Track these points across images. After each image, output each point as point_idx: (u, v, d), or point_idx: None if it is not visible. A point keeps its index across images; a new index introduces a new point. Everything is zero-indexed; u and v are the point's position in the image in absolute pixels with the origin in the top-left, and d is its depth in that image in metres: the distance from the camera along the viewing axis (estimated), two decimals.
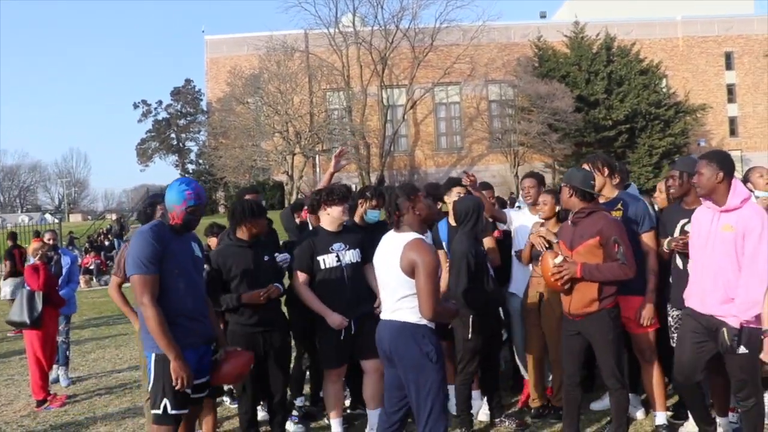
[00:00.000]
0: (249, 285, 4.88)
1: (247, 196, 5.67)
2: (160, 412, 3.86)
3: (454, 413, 5.33)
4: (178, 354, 3.78)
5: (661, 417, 4.96)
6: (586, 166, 5.12)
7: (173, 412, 3.86)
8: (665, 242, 4.73)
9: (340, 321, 4.88)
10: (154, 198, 5.10)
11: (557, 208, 5.23)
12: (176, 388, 3.80)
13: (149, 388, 3.96)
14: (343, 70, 39.19)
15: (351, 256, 5.05)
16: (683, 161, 4.87)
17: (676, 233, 4.69)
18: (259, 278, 4.97)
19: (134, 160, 53.83)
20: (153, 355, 3.89)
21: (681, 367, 4.36)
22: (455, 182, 6.01)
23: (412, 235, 3.88)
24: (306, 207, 5.92)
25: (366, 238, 5.15)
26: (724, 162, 4.10)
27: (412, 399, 3.90)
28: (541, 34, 42.20)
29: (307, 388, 6.27)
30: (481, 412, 5.55)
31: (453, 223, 5.47)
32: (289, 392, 5.68)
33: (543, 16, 49.74)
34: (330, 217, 5.10)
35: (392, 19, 39.32)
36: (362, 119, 38.98)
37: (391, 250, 3.91)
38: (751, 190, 5.30)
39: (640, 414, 5.37)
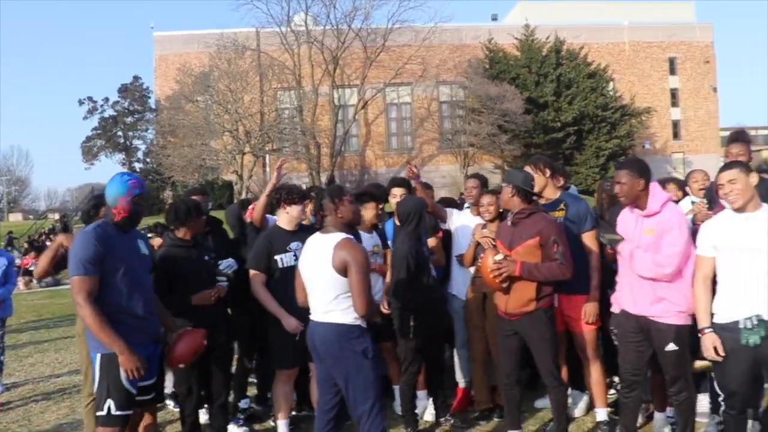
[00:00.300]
0: (195, 285, 4.82)
1: (194, 197, 5.58)
2: (104, 413, 3.82)
3: (400, 413, 5.35)
4: (123, 347, 3.76)
5: (602, 413, 5.06)
6: (528, 168, 5.19)
7: (117, 413, 3.81)
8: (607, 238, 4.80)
9: (295, 325, 4.83)
10: (98, 199, 5.00)
11: (500, 210, 5.28)
12: (130, 379, 3.80)
13: (94, 389, 3.90)
14: (295, 69, 38.90)
15: None
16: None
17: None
18: (204, 278, 4.91)
19: (79, 158, 52.48)
20: (98, 356, 3.86)
21: (626, 366, 4.48)
22: (396, 183, 6.02)
23: (341, 235, 3.93)
24: (252, 206, 5.86)
25: None
26: (643, 170, 4.30)
27: (350, 398, 3.93)
28: (492, 36, 42.61)
29: (252, 390, 6.20)
30: (427, 411, 5.56)
31: (398, 223, 5.48)
32: (232, 395, 5.62)
33: (494, 18, 50.24)
34: (289, 216, 5.10)
35: (344, 19, 39.18)
36: (313, 119, 38.75)
37: (320, 252, 3.94)
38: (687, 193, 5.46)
39: (579, 411, 5.46)
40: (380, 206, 5.72)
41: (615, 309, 4.60)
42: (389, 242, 5.68)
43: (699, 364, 4.62)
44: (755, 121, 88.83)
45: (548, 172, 5.20)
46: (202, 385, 5.00)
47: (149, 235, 6.29)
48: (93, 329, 3.75)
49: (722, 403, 4.07)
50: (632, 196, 4.28)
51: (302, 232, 5.07)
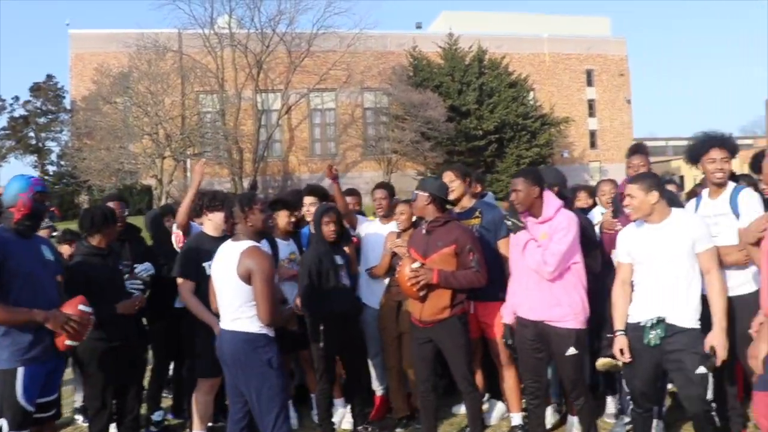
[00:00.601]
0: (112, 296, 4.63)
1: (110, 203, 5.39)
2: None
3: (317, 422, 5.32)
4: (36, 315, 3.62)
5: (516, 418, 5.15)
6: (448, 174, 5.24)
7: None
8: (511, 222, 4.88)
9: None
10: None
11: (414, 219, 5.31)
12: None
13: None
14: (218, 72, 38.27)
15: None
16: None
17: None
18: (120, 288, 4.76)
19: None
20: None
21: (527, 375, 4.61)
22: (308, 191, 6.01)
23: (248, 243, 3.91)
24: (173, 213, 5.74)
25: None
26: (538, 178, 4.44)
27: (255, 407, 3.91)
28: (417, 44, 43.02)
29: (166, 401, 6.05)
30: (344, 420, 5.53)
31: (313, 230, 5.46)
32: (144, 407, 5.45)
33: (419, 26, 50.86)
34: (212, 223, 5.00)
35: (269, 23, 38.84)
36: (236, 123, 38.20)
37: (228, 259, 3.93)
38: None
39: (495, 417, 5.53)
40: (294, 213, 5.68)
41: (507, 319, 4.66)
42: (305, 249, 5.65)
43: (601, 362, 4.81)
44: (666, 132, 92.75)
45: (467, 180, 5.28)
46: (116, 398, 4.81)
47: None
48: (7, 322, 3.58)
49: (630, 402, 4.26)
50: (527, 204, 4.40)
51: (227, 239, 4.98)
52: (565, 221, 4.35)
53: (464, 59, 41.70)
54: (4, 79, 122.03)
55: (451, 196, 5.08)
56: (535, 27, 47.51)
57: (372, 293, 5.66)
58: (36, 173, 47.05)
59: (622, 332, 4.17)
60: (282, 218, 5.55)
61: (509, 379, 5.10)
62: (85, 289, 4.41)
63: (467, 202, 5.26)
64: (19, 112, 47.94)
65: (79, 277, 4.45)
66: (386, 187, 5.97)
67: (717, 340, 3.86)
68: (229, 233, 4.14)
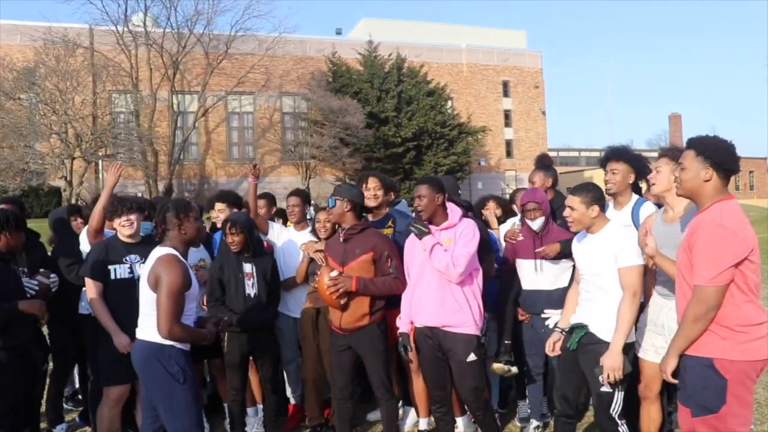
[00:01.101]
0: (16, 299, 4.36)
1: (2, 206, 5.11)
2: None
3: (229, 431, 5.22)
4: None
5: (423, 423, 5.17)
6: (376, 181, 5.22)
7: None
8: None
9: (127, 343, 4.50)
10: None
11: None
12: None
13: None
14: (132, 71, 37.20)
15: None
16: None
17: None
18: (23, 293, 4.51)
19: None
20: None
21: (433, 383, 4.63)
22: (218, 197, 5.91)
23: (166, 250, 3.76)
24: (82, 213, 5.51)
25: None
26: (441, 187, 4.50)
27: (163, 419, 3.75)
28: (336, 50, 43.03)
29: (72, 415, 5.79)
30: (256, 429, 5.45)
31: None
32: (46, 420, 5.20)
33: (339, 32, 50.78)
34: (119, 229, 4.82)
35: (186, 23, 38.06)
36: (150, 124, 37.20)
37: (147, 264, 3.79)
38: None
39: (408, 425, 5.52)
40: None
41: (404, 328, 4.62)
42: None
43: (495, 366, 4.88)
44: (580, 143, 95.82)
45: (384, 189, 5.28)
46: (18, 410, 4.50)
47: None
48: None
49: (557, 406, 4.28)
50: (431, 210, 4.42)
51: (143, 244, 4.80)
52: (470, 227, 4.40)
53: (383, 66, 41.90)
54: None
55: (372, 203, 5.09)
56: (454, 37, 48.34)
57: (287, 301, 5.58)
58: None
59: (558, 330, 4.30)
60: None
61: (417, 385, 5.08)
62: None
63: (381, 211, 5.28)
64: None
65: None
66: (300, 194, 5.90)
67: (608, 360, 3.84)
68: (157, 239, 3.96)
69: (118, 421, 4.80)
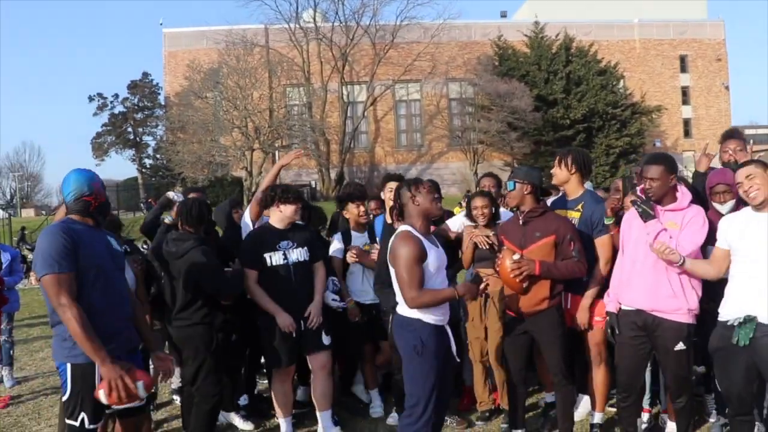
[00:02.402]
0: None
1: (192, 195, 5.50)
2: (76, 424, 3.49)
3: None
4: (105, 357, 3.37)
5: (597, 416, 4.99)
6: (557, 160, 4.96)
7: (91, 426, 3.53)
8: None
9: (289, 323, 4.81)
10: None
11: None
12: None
13: (64, 399, 3.55)
14: (304, 65, 38.96)
15: (298, 254, 4.97)
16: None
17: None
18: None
19: (90, 154, 52.36)
20: (69, 366, 3.49)
21: (622, 370, 4.43)
22: (390, 178, 5.91)
23: (401, 228, 4.01)
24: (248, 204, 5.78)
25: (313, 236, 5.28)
26: (674, 166, 4.21)
27: (404, 383, 4.04)
28: (502, 33, 42.50)
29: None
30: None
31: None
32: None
33: (503, 15, 50.11)
34: (281, 215, 5.00)
35: (353, 16, 39.29)
36: (322, 115, 38.81)
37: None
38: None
39: (580, 414, 5.36)
40: (363, 205, 5.76)
41: (611, 307, 4.46)
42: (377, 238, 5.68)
43: None
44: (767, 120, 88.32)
45: (574, 168, 4.86)
46: None
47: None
48: (75, 334, 3.34)
49: (735, 406, 3.96)
50: (662, 193, 4.17)
51: (294, 230, 5.03)
52: (700, 215, 4.12)
53: (551, 47, 40.87)
54: (104, 78, 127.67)
55: (554, 182, 4.98)
56: (624, 12, 45.95)
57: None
58: (134, 166, 49.08)
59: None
60: (352, 211, 5.70)
61: (598, 376, 4.90)
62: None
63: (574, 191, 4.91)
64: (119, 108, 49.95)
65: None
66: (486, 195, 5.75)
67: None
68: (396, 218, 4.26)
69: (291, 391, 5.20)
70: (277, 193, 4.99)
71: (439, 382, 3.91)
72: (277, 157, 37.90)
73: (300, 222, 5.18)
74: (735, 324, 3.76)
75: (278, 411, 5.11)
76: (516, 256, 4.39)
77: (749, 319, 3.71)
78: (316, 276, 5.09)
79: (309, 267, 5.04)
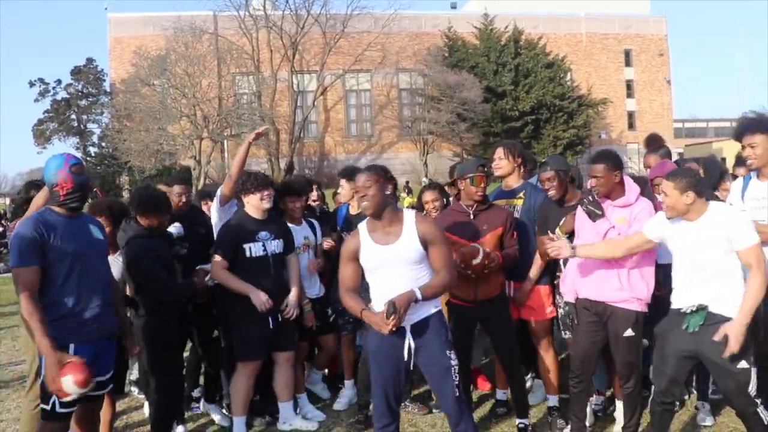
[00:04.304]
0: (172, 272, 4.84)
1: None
2: (48, 408, 3.60)
3: None
4: (46, 347, 3.44)
5: (553, 400, 5.14)
6: (500, 150, 5.18)
7: (62, 410, 3.61)
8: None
9: (264, 299, 4.70)
10: (28, 186, 4.76)
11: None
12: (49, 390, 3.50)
13: (39, 382, 3.64)
14: (253, 54, 38.53)
15: (276, 245, 4.93)
16: (554, 160, 4.90)
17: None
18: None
19: (31, 141, 50.89)
20: None
21: (578, 356, 4.57)
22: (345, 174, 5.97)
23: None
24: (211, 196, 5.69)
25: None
26: (618, 163, 4.37)
27: None
28: (452, 24, 42.82)
29: None
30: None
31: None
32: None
33: (453, 6, 50.39)
34: (250, 206, 4.93)
35: (303, 4, 38.92)
36: (272, 104, 38.47)
37: None
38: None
39: (537, 399, 5.55)
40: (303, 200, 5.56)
41: (569, 298, 4.65)
42: (338, 227, 5.70)
43: None
44: (707, 114, 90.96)
45: (519, 160, 5.16)
46: None
47: None
48: (29, 325, 3.48)
49: (666, 392, 4.09)
50: (608, 189, 4.34)
51: (271, 222, 4.98)
52: (646, 210, 4.30)
53: (500, 39, 41.36)
54: (47, 63, 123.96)
55: (497, 173, 5.14)
56: (572, 6, 46.72)
57: None
58: (78, 155, 47.89)
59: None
60: (287, 205, 5.41)
61: (547, 360, 5.06)
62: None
63: (514, 181, 5.17)
64: (62, 95, 48.59)
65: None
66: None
67: (732, 330, 3.70)
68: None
69: (252, 389, 5.01)
70: (253, 181, 4.91)
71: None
72: (226, 146, 37.57)
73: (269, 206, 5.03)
74: (687, 311, 3.92)
75: (234, 408, 4.95)
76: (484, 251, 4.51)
77: (701, 308, 3.87)
78: (290, 268, 5.05)
79: (284, 259, 5.02)
